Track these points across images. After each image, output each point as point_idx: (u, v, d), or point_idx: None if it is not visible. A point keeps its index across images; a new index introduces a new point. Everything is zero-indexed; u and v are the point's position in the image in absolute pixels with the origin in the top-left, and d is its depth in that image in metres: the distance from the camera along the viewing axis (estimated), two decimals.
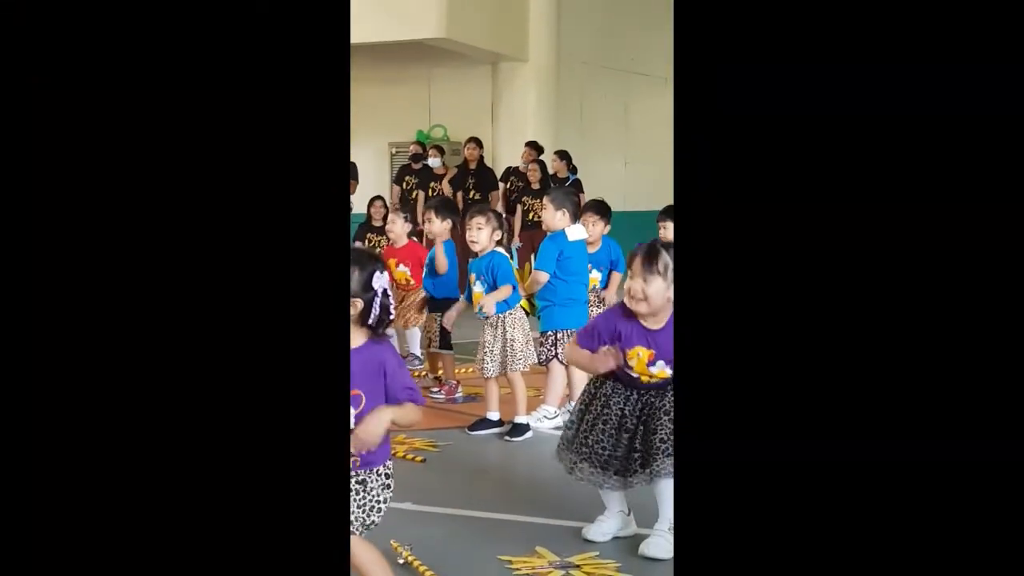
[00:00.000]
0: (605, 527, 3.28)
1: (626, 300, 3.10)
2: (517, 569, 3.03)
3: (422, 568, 2.97)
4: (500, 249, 4.89)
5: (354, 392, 2.39)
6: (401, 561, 3.02)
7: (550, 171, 10.32)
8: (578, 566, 3.05)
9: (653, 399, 3.11)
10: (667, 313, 3.05)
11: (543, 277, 4.80)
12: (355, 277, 2.48)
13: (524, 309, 4.91)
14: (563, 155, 10.42)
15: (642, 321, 3.08)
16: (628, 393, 3.14)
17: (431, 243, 5.82)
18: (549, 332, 4.84)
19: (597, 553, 3.14)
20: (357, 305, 2.48)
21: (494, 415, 4.81)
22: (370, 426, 2.40)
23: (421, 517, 3.50)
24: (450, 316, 5.27)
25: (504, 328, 4.73)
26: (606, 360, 3.06)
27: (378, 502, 2.51)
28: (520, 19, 11.64)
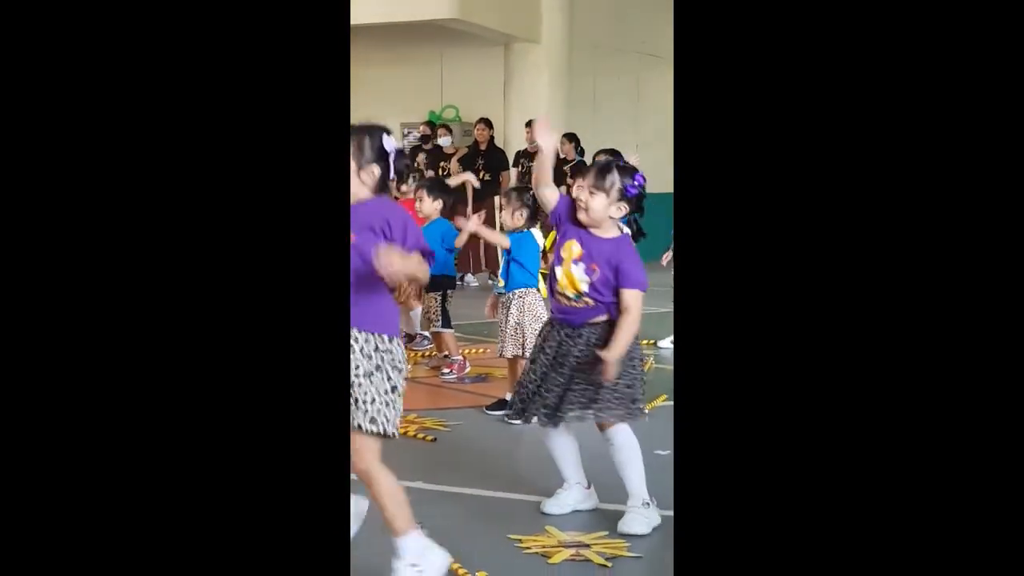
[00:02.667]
0: (563, 500, 3.35)
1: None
2: (527, 548, 3.04)
3: None
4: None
5: (353, 238, 2.37)
6: None
7: (559, 154, 10.28)
8: (588, 545, 3.06)
9: (568, 337, 3.19)
10: (609, 230, 3.20)
11: None
12: (366, 145, 2.51)
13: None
14: (571, 137, 10.38)
15: (589, 228, 3.20)
16: (552, 329, 3.27)
17: (422, 221, 5.82)
18: None
19: (607, 532, 3.15)
20: (375, 172, 2.51)
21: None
22: (391, 255, 2.38)
23: (431, 496, 3.52)
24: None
25: (510, 310, 4.73)
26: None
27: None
28: (532, 0, 11.58)
